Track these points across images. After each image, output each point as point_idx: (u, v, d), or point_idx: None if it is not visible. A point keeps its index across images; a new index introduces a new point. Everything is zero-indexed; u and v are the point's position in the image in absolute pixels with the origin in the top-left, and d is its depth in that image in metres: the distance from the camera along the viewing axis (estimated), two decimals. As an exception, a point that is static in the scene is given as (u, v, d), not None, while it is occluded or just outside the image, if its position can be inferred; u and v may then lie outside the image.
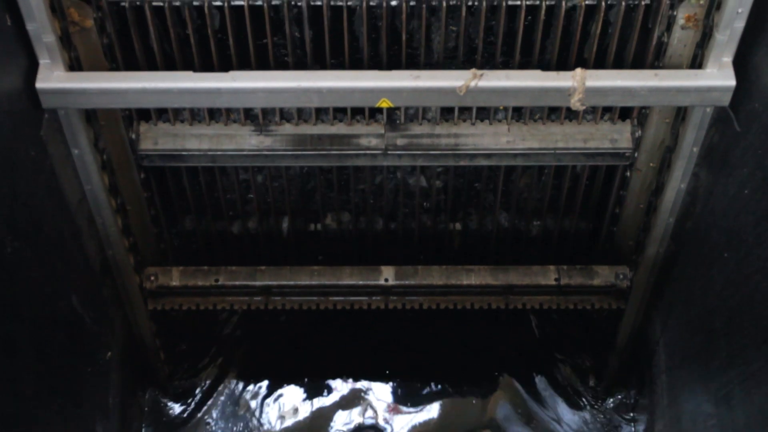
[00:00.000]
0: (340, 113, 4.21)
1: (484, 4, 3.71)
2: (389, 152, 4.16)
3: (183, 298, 4.83)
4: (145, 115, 4.15)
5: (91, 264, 4.21)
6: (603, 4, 3.69)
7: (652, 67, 3.80)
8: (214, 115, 4.17)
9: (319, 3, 3.71)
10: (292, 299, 4.85)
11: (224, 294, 4.81)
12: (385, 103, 3.57)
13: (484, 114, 4.19)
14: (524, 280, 4.72)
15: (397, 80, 3.55)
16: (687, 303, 4.21)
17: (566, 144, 4.15)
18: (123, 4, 3.68)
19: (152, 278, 4.69)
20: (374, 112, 4.19)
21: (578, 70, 3.49)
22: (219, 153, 4.17)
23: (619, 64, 3.93)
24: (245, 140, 4.17)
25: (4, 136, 3.32)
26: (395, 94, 3.56)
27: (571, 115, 4.15)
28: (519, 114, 4.19)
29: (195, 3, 3.71)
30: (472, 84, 3.49)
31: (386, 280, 4.73)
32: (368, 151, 4.17)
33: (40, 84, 3.48)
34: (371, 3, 3.73)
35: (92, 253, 4.20)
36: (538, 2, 3.70)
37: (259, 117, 4.15)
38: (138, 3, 3.68)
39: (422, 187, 4.60)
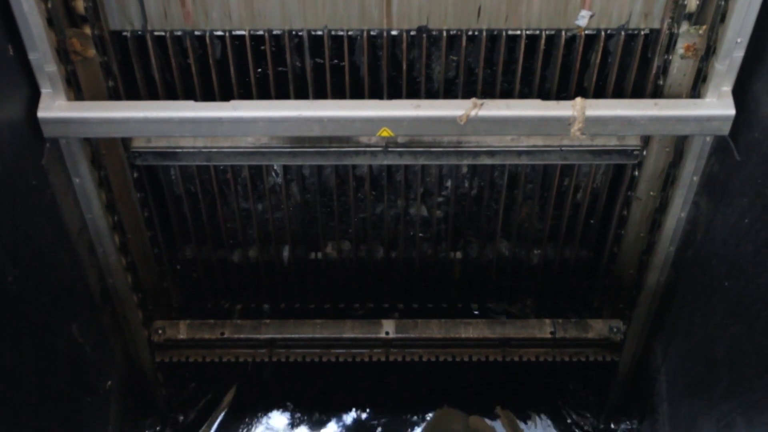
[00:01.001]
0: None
1: (484, 33, 3.72)
2: (390, 149, 4.04)
3: (190, 351, 4.90)
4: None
5: (91, 293, 4.20)
6: (603, 33, 3.71)
7: (652, 96, 3.81)
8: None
9: (320, 33, 3.73)
10: (295, 351, 4.90)
11: (229, 347, 4.88)
12: (386, 132, 3.59)
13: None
14: (521, 333, 4.79)
15: (398, 109, 3.57)
16: (688, 332, 4.20)
17: (572, 141, 4.02)
18: (125, 33, 3.70)
19: (160, 332, 4.79)
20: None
21: (578, 100, 3.51)
22: (214, 150, 4.03)
23: (619, 93, 3.94)
24: (241, 138, 4.02)
25: (6, 166, 3.33)
26: (396, 123, 3.58)
27: None
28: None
29: (196, 33, 3.73)
30: (473, 113, 3.50)
31: (387, 333, 4.79)
32: (368, 149, 4.05)
33: (41, 113, 3.49)
34: (372, 33, 3.74)
35: (93, 282, 4.20)
36: (538, 32, 3.72)
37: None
38: (140, 32, 3.70)
39: (423, 217, 4.60)
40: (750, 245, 3.49)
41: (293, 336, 4.82)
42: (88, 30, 3.57)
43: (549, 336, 4.76)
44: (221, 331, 4.80)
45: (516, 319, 4.85)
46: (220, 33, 3.74)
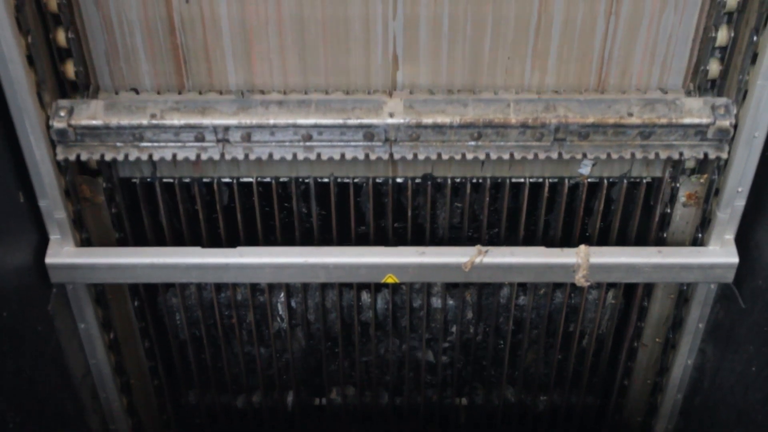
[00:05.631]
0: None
1: (488, 181, 3.77)
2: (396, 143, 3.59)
3: None
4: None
5: (93, 439, 4.16)
6: (605, 182, 3.75)
7: (656, 243, 3.83)
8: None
9: (326, 180, 3.78)
10: None
11: None
12: (391, 279, 3.60)
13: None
14: None
15: (403, 256, 3.60)
16: (698, 482, 4.14)
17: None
18: (134, 180, 3.76)
19: None
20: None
21: (582, 247, 3.53)
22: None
23: (622, 239, 3.96)
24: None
25: (12, 311, 3.34)
26: (401, 270, 3.60)
27: None
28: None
29: (204, 180, 3.79)
30: (477, 260, 3.53)
31: None
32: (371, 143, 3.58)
33: (49, 259, 3.53)
34: (377, 180, 3.79)
35: (94, 428, 4.15)
36: (541, 180, 3.77)
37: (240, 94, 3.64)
38: (148, 179, 3.75)
39: (428, 361, 4.58)
40: (758, 393, 3.46)
41: None
42: (98, 177, 3.63)
43: None
44: None
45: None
46: (227, 180, 3.79)
